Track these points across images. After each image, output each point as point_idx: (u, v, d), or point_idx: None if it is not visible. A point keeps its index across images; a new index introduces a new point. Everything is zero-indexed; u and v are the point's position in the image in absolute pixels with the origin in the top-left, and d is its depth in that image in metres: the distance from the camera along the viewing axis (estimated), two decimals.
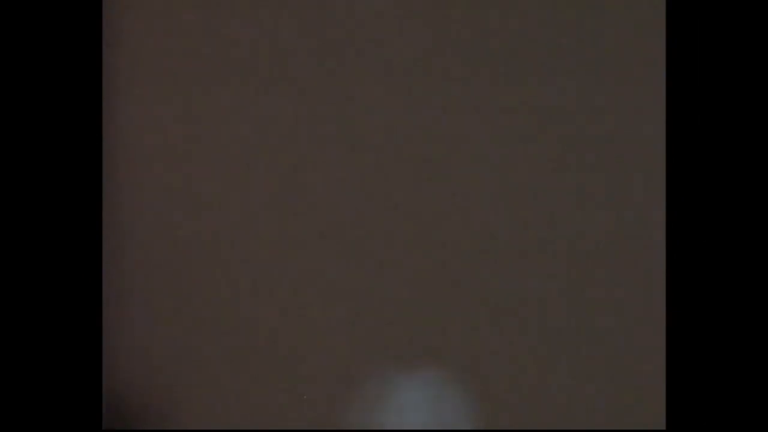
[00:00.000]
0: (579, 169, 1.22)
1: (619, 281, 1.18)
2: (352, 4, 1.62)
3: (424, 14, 1.45)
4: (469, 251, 1.40)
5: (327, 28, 1.68)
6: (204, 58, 2.16)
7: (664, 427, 1.16)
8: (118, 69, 2.68)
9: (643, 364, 1.15)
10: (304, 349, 1.84)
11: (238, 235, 2.06)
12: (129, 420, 2.50)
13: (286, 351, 1.90)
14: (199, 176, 2.23)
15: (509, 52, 1.30)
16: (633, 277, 1.16)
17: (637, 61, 1.14)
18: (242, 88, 2.00)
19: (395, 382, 1.57)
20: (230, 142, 2.06)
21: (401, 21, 1.50)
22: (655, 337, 1.14)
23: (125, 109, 2.65)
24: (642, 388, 1.15)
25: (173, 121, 2.36)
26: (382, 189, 1.57)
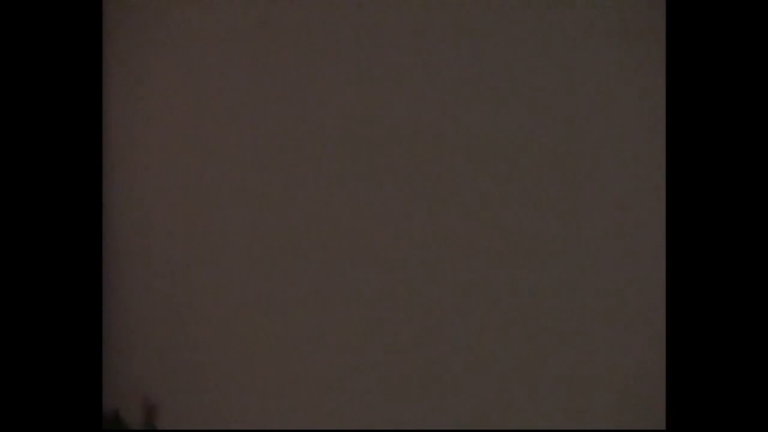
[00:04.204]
0: (579, 172, 1.22)
1: (619, 282, 1.18)
2: (351, 6, 1.62)
3: (425, 18, 1.45)
4: (469, 250, 1.40)
5: (326, 31, 1.69)
6: (204, 60, 2.16)
7: (664, 427, 1.16)
8: (119, 71, 2.68)
9: (642, 364, 1.16)
10: (304, 350, 1.84)
11: (236, 238, 2.07)
12: (128, 421, 2.50)
13: (285, 351, 1.90)
14: (197, 180, 2.23)
15: (511, 55, 1.31)
16: (633, 278, 1.16)
17: (638, 64, 1.14)
18: (242, 90, 2.00)
19: (393, 384, 1.57)
20: (230, 144, 2.07)
21: (401, 22, 1.50)
22: (655, 338, 1.15)
23: (125, 111, 2.65)
24: (642, 388, 1.16)
25: (173, 124, 2.37)
26: (380, 194, 1.57)
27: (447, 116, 1.42)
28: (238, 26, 1.97)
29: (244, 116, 1.98)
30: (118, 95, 2.66)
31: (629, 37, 1.14)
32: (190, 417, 2.37)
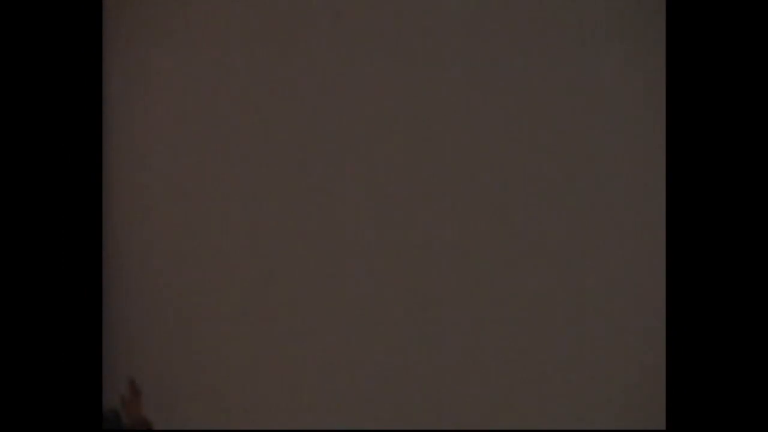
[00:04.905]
0: (579, 172, 1.22)
1: (619, 282, 1.18)
2: (353, 6, 1.62)
3: (425, 17, 1.45)
4: (468, 250, 1.40)
5: (328, 30, 1.69)
6: (205, 60, 2.16)
7: (664, 427, 1.16)
8: (119, 71, 2.69)
9: (643, 364, 1.16)
10: (306, 350, 1.84)
11: (236, 238, 2.06)
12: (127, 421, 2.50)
13: (287, 352, 1.90)
14: (198, 179, 2.24)
15: (511, 55, 1.30)
16: (633, 278, 1.16)
17: (638, 64, 1.14)
18: (243, 89, 2.00)
19: (393, 384, 1.57)
20: (231, 144, 2.07)
21: (402, 21, 1.50)
22: (655, 338, 1.15)
23: (125, 111, 2.65)
24: (642, 388, 1.16)
25: (173, 123, 2.37)
26: (382, 194, 1.57)
27: (446, 116, 1.41)
28: (240, 25, 1.97)
29: (245, 115, 1.98)
30: (118, 95, 2.66)
31: (629, 37, 1.14)
32: (190, 416, 2.37)
